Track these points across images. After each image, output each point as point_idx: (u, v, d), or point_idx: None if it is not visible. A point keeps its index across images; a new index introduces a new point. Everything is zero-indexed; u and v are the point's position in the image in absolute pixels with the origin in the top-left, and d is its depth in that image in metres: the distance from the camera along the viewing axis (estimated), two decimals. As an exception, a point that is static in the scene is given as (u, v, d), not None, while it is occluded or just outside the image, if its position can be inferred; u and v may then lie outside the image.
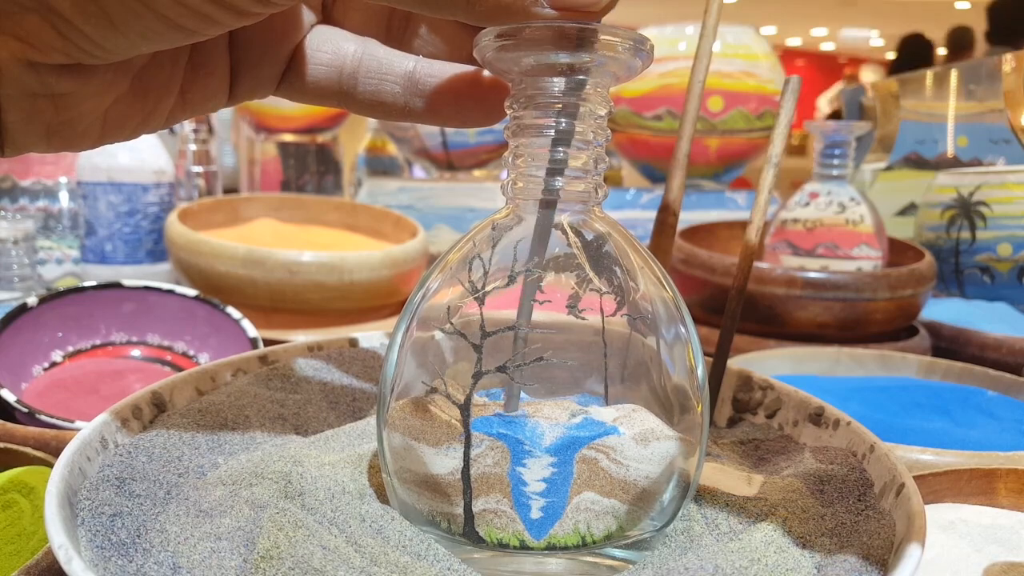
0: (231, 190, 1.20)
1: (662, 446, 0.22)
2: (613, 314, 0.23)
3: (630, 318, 0.23)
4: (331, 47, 0.25)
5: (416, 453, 0.22)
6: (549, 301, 0.22)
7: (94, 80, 0.20)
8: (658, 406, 0.23)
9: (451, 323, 0.23)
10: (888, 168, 1.08)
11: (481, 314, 0.22)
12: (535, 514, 0.22)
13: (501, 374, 0.22)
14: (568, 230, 0.23)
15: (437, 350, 0.23)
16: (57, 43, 0.18)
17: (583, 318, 0.22)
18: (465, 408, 0.22)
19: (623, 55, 0.21)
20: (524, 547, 0.22)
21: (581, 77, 0.22)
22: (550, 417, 0.22)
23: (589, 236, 0.23)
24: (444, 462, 0.22)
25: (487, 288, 0.22)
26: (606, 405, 0.23)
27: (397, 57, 0.25)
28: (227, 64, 0.24)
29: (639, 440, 0.22)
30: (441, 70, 0.25)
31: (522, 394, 0.22)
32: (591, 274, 0.23)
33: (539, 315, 0.22)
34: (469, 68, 0.25)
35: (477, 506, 0.22)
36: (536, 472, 0.22)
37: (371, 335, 0.36)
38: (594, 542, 0.22)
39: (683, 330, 0.24)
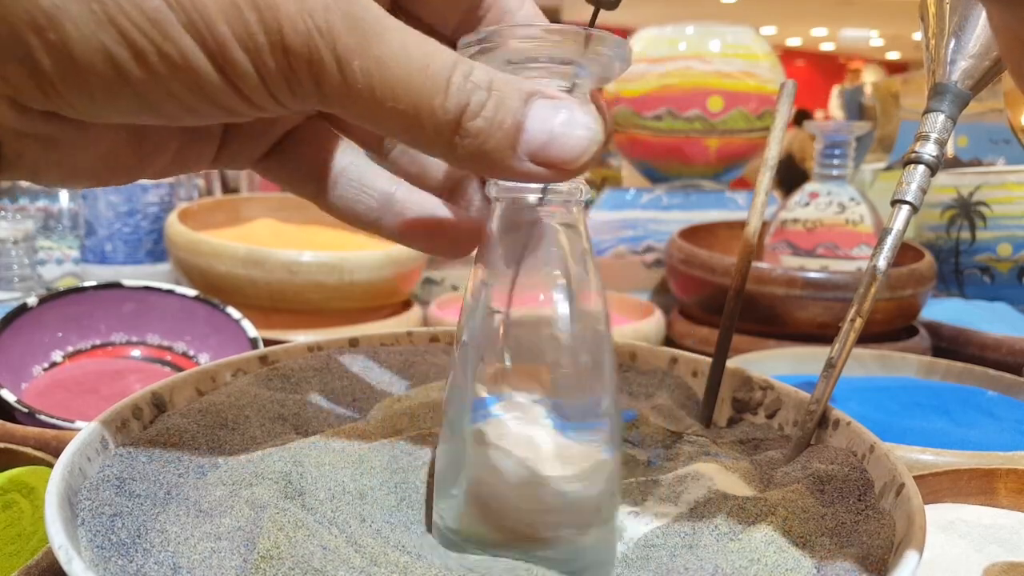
0: (231, 190, 1.20)
1: (496, 455, 0.22)
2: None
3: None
4: (318, 145, 0.25)
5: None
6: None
7: (83, 129, 0.20)
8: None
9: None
10: (888, 168, 1.08)
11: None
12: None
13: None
14: (560, 228, 0.23)
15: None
16: (38, 95, 0.18)
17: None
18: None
19: (605, 57, 0.21)
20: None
21: (568, 82, 0.22)
22: (503, 408, 0.22)
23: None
24: None
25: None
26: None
27: (382, 176, 0.26)
28: (220, 135, 0.24)
29: (475, 438, 0.22)
30: (421, 203, 0.25)
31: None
32: (591, 276, 0.23)
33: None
34: (447, 213, 0.25)
35: None
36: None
37: (371, 335, 0.36)
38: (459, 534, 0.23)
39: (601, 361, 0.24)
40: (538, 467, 0.21)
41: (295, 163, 0.25)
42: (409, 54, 0.18)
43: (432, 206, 0.25)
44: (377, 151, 0.27)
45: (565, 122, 0.19)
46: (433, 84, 0.18)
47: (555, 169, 0.20)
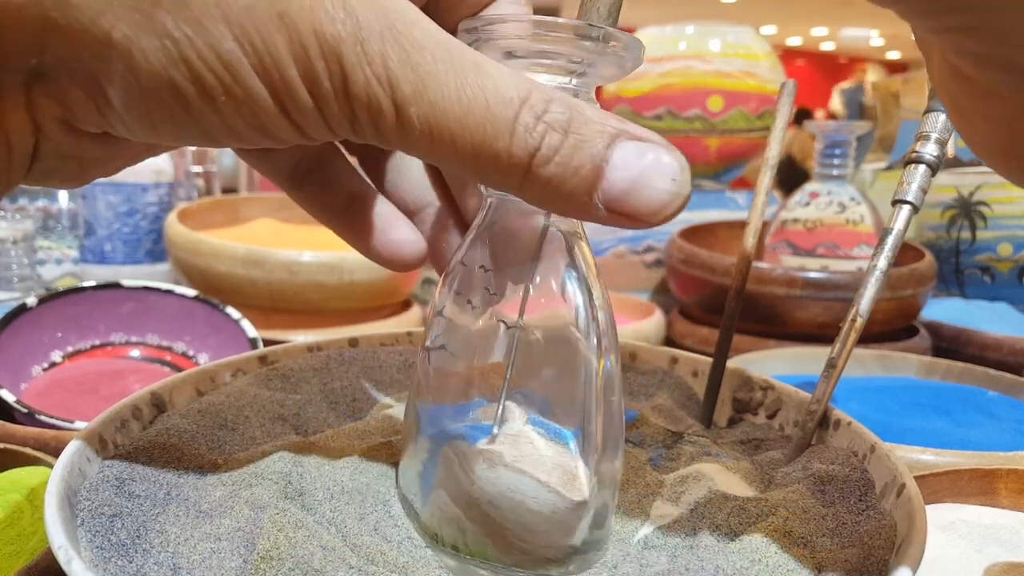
0: (230, 190, 1.20)
1: (511, 478, 0.21)
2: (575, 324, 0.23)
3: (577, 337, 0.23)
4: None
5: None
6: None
7: (124, 146, 0.20)
8: (557, 452, 0.22)
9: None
10: (888, 168, 1.08)
11: (522, 303, 0.23)
12: (421, 493, 0.23)
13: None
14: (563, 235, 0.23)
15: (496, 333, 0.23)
16: (96, 119, 0.18)
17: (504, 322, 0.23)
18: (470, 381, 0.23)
19: (614, 55, 0.20)
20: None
21: (570, 79, 0.21)
22: (482, 416, 0.22)
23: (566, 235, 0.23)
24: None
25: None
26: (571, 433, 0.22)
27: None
28: None
29: (487, 459, 0.21)
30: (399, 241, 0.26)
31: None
32: (598, 289, 0.23)
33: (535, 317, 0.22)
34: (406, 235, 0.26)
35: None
36: (419, 452, 0.23)
37: (371, 335, 0.36)
38: (444, 545, 0.22)
39: (596, 366, 0.23)
40: (565, 492, 0.21)
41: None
42: (468, 96, 0.17)
43: (406, 242, 0.26)
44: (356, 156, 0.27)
45: (650, 169, 0.18)
46: (495, 127, 0.17)
47: (634, 220, 0.18)
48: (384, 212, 0.26)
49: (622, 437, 0.24)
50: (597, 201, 0.18)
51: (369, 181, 0.27)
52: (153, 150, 0.22)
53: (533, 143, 0.18)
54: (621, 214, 0.18)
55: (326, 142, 0.23)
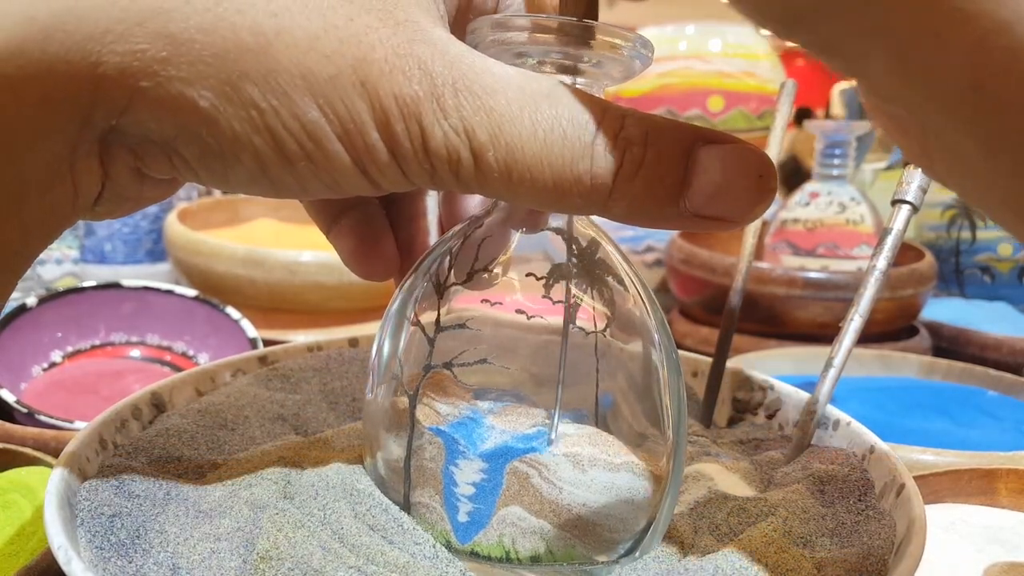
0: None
1: (605, 475, 0.21)
2: (604, 329, 0.22)
3: (617, 336, 0.23)
4: None
5: (381, 436, 0.23)
6: (560, 301, 0.22)
7: (177, 187, 0.21)
8: (631, 435, 0.22)
9: (415, 314, 0.23)
10: (888, 168, 1.08)
11: (438, 308, 0.22)
12: (462, 517, 0.22)
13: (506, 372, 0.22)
14: (574, 237, 0.23)
15: (411, 340, 0.23)
16: (167, 170, 0.19)
17: (581, 328, 0.22)
18: (412, 398, 0.22)
19: (623, 56, 0.20)
20: (449, 548, 0.22)
21: (579, 79, 0.21)
22: (509, 424, 0.22)
23: (583, 243, 0.23)
24: (394, 449, 0.23)
25: (448, 284, 0.23)
26: (593, 423, 0.22)
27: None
28: None
29: (575, 463, 0.21)
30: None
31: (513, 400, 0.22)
32: (614, 290, 0.23)
33: (544, 320, 0.22)
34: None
35: (414, 497, 0.22)
36: (467, 475, 0.22)
37: (371, 335, 0.36)
38: (519, 560, 0.22)
39: (661, 356, 0.23)
40: (650, 475, 0.22)
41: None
42: (544, 129, 0.18)
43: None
44: None
45: (734, 170, 0.18)
46: (572, 152, 0.18)
47: (724, 223, 0.18)
48: (371, 224, 0.26)
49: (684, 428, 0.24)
50: (684, 208, 0.18)
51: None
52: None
53: (615, 160, 0.18)
54: (710, 218, 0.18)
55: None
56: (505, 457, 0.21)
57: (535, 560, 0.21)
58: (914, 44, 0.14)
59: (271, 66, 0.17)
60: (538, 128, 0.18)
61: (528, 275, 0.22)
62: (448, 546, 0.22)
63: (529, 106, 0.18)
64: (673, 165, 0.18)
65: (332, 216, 0.25)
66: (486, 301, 0.22)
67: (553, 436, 0.21)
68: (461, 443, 0.21)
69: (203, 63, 0.17)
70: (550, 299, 0.22)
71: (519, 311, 0.22)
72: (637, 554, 0.22)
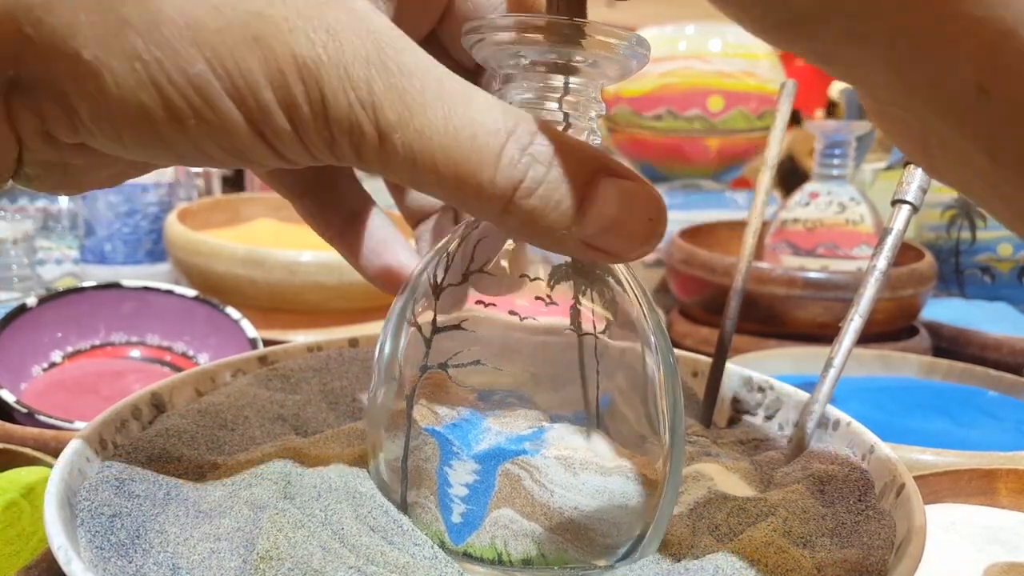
0: (230, 190, 1.20)
1: (596, 479, 0.21)
2: (605, 330, 0.22)
3: (616, 337, 0.23)
4: None
5: (382, 437, 0.23)
6: (556, 304, 0.22)
7: (111, 158, 0.20)
8: (629, 438, 0.22)
9: (412, 314, 0.23)
10: (888, 168, 1.07)
11: (435, 308, 0.22)
12: (456, 518, 0.22)
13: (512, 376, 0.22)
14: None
15: (409, 341, 0.23)
16: (69, 133, 0.18)
17: (580, 332, 0.22)
18: (409, 399, 0.22)
19: (617, 55, 0.20)
20: (444, 548, 0.22)
21: (574, 78, 0.21)
22: (508, 425, 0.22)
23: None
24: (393, 450, 0.23)
25: (443, 285, 0.23)
26: (594, 425, 0.22)
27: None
28: None
29: (567, 466, 0.21)
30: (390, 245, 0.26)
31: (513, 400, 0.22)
32: (622, 294, 0.23)
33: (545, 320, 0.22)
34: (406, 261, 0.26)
35: (410, 497, 0.22)
36: (460, 476, 0.21)
37: (371, 335, 0.36)
38: (511, 562, 0.21)
39: (658, 359, 0.23)
40: (645, 479, 0.21)
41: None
42: (455, 126, 0.17)
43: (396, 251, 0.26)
44: None
45: (628, 208, 0.18)
46: (480, 157, 0.17)
47: (614, 254, 0.19)
48: (382, 233, 0.26)
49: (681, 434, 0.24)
50: (576, 235, 0.18)
51: (369, 194, 0.27)
52: (149, 166, 0.22)
53: (517, 175, 0.18)
54: (597, 249, 0.19)
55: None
56: (497, 459, 0.21)
57: (527, 563, 0.21)
58: (918, 49, 0.14)
59: (155, 15, 0.16)
60: (450, 123, 0.17)
61: (522, 276, 0.22)
62: (442, 546, 0.22)
63: (446, 98, 0.17)
64: (571, 191, 0.18)
65: (295, 190, 0.25)
66: (480, 303, 0.22)
67: (546, 438, 0.21)
68: (455, 444, 0.21)
69: (84, 10, 0.16)
70: (544, 300, 0.22)
71: (512, 312, 0.22)
72: (634, 560, 0.22)
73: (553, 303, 0.22)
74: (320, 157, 0.18)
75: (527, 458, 0.21)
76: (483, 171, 0.18)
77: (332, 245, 0.27)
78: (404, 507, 0.23)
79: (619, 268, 0.23)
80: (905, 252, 0.66)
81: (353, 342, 0.36)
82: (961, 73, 0.14)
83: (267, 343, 0.49)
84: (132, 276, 0.63)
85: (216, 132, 0.17)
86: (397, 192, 0.28)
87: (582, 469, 0.21)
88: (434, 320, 0.22)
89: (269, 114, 0.17)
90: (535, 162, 0.18)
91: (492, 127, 0.18)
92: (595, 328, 0.22)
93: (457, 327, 0.22)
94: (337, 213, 0.26)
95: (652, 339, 0.23)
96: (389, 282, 0.26)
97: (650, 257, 0.82)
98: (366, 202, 0.27)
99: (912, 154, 0.17)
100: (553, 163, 0.18)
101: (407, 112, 0.17)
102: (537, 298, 0.22)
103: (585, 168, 0.18)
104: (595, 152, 0.19)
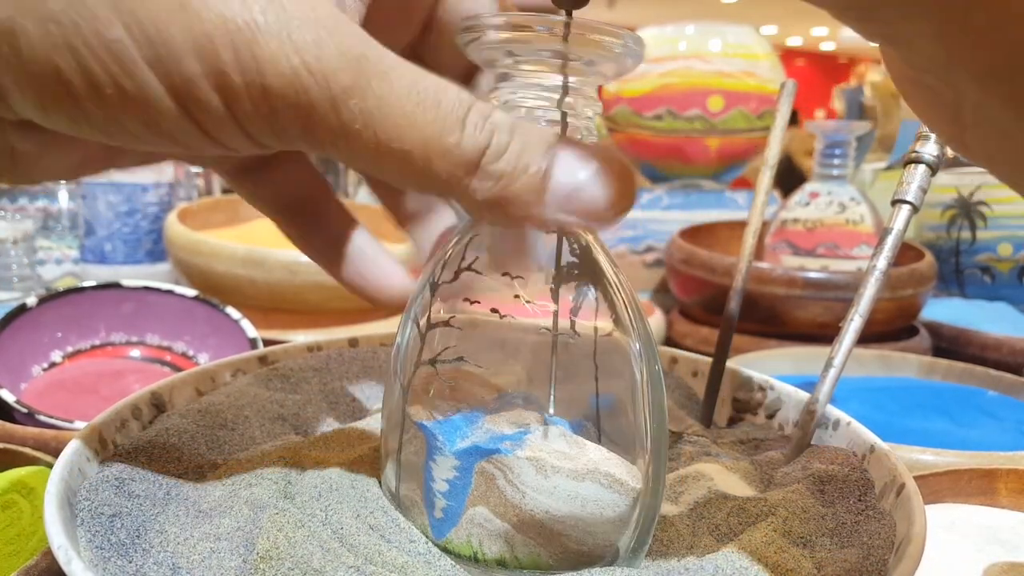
0: (230, 190, 1.20)
1: (568, 484, 0.21)
2: (608, 334, 0.22)
3: (610, 343, 0.22)
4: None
5: (389, 431, 0.23)
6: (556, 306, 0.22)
7: (54, 139, 0.19)
8: (625, 446, 0.22)
9: (413, 311, 0.23)
10: (888, 168, 1.08)
11: (430, 306, 0.22)
12: (437, 513, 0.22)
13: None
14: (577, 236, 0.23)
15: (411, 337, 0.23)
16: (3, 108, 0.17)
17: (577, 333, 0.22)
18: (404, 392, 0.22)
19: (612, 54, 0.20)
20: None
21: (570, 77, 0.21)
22: (498, 425, 0.22)
23: (582, 242, 0.23)
24: (392, 443, 0.23)
25: (439, 281, 0.23)
26: (594, 431, 0.22)
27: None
28: None
29: (538, 468, 0.21)
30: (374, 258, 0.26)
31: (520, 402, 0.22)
32: (625, 292, 0.23)
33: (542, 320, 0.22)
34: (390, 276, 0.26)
35: (402, 490, 0.23)
36: (442, 471, 0.22)
37: (371, 335, 0.36)
38: (485, 562, 0.21)
39: (642, 367, 0.23)
40: (623, 487, 0.21)
41: (273, 186, 0.25)
42: (418, 91, 0.16)
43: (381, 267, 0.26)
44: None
45: (596, 167, 0.18)
46: (445, 122, 0.17)
47: (587, 217, 0.18)
48: (364, 248, 0.26)
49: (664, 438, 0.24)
50: (548, 200, 0.18)
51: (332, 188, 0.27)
52: (114, 160, 0.21)
53: (483, 140, 0.17)
54: (574, 213, 0.18)
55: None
56: (475, 456, 0.21)
57: (501, 564, 0.21)
58: (970, 9, 0.13)
59: None
60: (413, 90, 0.16)
61: (504, 274, 0.22)
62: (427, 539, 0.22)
63: (406, 67, 0.17)
64: (536, 155, 0.18)
65: (237, 173, 0.25)
66: (467, 300, 0.22)
67: (527, 439, 0.21)
68: (439, 439, 0.21)
69: None
70: (533, 302, 0.22)
71: (493, 310, 0.22)
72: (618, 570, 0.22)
73: (547, 305, 0.22)
74: (261, 138, 0.17)
75: (501, 457, 0.21)
76: (450, 135, 0.17)
77: (320, 266, 0.26)
78: (397, 499, 0.23)
79: (611, 274, 0.23)
80: (905, 252, 0.66)
81: (353, 342, 0.36)
82: (1010, 36, 0.13)
83: (267, 343, 0.49)
84: (132, 276, 0.63)
85: (137, 106, 0.16)
86: (381, 190, 0.28)
87: (553, 472, 0.21)
88: (428, 317, 0.22)
89: (194, 86, 0.16)
90: (499, 129, 0.17)
91: (454, 96, 0.17)
92: (596, 329, 0.22)
93: (446, 324, 0.22)
94: (319, 235, 0.26)
95: (637, 346, 0.23)
96: (379, 300, 0.26)
97: (650, 257, 0.82)
98: (350, 224, 0.26)
99: (939, 125, 0.17)
100: (515, 132, 0.18)
101: (363, 78, 0.16)
102: (528, 302, 0.22)
103: (543, 139, 0.18)
104: (547, 130, 0.19)
